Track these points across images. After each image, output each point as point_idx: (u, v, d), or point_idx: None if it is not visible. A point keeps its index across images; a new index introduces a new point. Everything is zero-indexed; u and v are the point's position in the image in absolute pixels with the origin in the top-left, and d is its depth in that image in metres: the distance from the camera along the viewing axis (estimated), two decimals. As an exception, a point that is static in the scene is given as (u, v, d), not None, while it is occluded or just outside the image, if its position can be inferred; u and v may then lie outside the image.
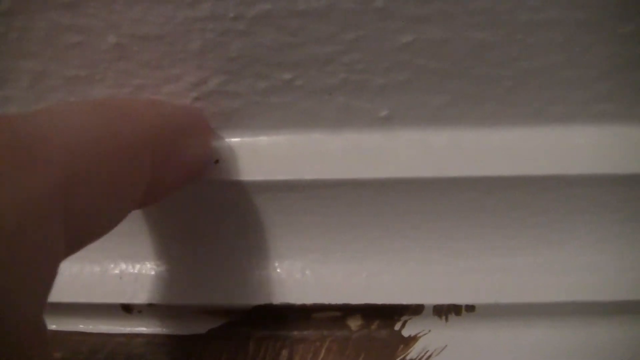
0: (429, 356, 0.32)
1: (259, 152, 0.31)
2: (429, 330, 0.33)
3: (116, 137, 0.22)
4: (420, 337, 0.32)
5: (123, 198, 0.23)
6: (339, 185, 0.30)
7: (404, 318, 0.33)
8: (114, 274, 0.34)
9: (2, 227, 0.16)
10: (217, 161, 0.31)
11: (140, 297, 0.33)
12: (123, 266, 0.34)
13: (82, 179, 0.20)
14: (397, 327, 0.33)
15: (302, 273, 0.33)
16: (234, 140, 0.32)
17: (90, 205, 0.21)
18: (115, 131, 0.22)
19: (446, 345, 0.33)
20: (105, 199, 0.21)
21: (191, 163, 0.28)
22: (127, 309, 0.34)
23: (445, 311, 0.32)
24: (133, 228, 0.33)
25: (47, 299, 0.19)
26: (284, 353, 0.33)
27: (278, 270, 0.33)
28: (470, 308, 0.32)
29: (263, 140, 0.32)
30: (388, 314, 0.33)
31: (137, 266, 0.34)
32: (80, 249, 0.22)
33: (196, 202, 0.32)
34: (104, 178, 0.21)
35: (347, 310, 0.33)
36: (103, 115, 0.22)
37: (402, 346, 0.32)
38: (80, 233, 0.21)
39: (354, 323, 0.33)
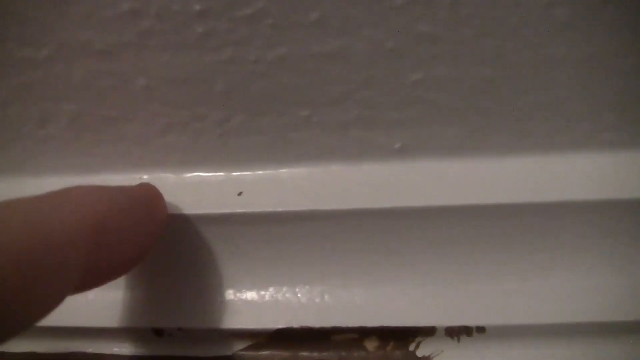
0: (443, 375, 0.34)
1: (281, 184, 0.33)
2: (442, 351, 0.34)
3: (38, 234, 0.22)
4: (433, 357, 0.33)
5: (49, 290, 0.23)
6: (357, 215, 0.32)
7: (418, 339, 0.34)
8: (146, 299, 0.36)
9: None
10: (240, 193, 0.33)
11: (171, 321, 0.35)
12: (156, 292, 0.36)
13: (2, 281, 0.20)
14: (411, 348, 0.34)
15: (321, 297, 0.34)
16: (257, 173, 0.34)
17: (13, 301, 0.21)
18: (39, 227, 0.22)
19: (459, 365, 0.34)
20: (28, 294, 0.21)
21: (139, 248, 0.29)
22: (159, 333, 0.35)
23: (457, 332, 0.33)
24: (162, 259, 0.35)
25: None
26: (305, 374, 0.35)
27: (299, 295, 0.34)
28: (481, 329, 0.33)
29: (284, 172, 0.34)
30: (403, 336, 0.34)
31: (167, 293, 0.36)
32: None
33: (220, 234, 0.34)
34: (22, 275, 0.21)
35: (364, 333, 0.34)
36: (31, 211, 0.23)
37: (417, 366, 0.34)
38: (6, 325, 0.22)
39: (371, 344, 0.34)
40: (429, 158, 0.33)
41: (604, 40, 0.28)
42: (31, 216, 0.23)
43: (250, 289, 0.35)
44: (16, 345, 0.37)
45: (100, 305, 0.35)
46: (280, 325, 0.34)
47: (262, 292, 0.35)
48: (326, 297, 0.34)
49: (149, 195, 0.31)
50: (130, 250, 0.29)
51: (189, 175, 0.35)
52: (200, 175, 0.35)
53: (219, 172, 0.34)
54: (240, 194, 0.33)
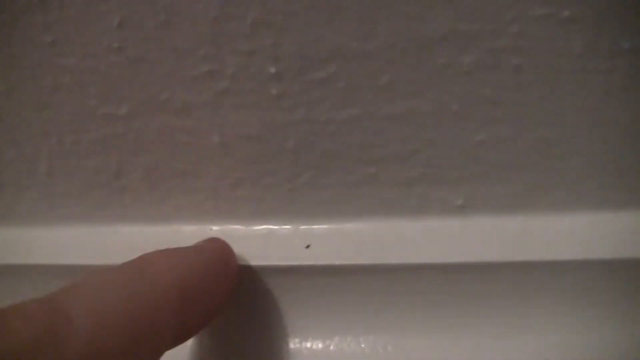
0: None
1: (347, 238, 0.34)
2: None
3: (136, 302, 0.25)
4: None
5: (149, 350, 0.25)
6: (420, 269, 0.33)
7: (480, 393, 0.34)
8: (215, 348, 0.37)
9: None
10: (308, 246, 0.34)
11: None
12: (225, 341, 0.37)
13: (104, 349, 0.22)
14: (476, 401, 0.34)
15: (384, 348, 0.35)
16: (323, 227, 0.35)
17: None
18: (136, 296, 0.25)
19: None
20: (129, 356, 0.24)
21: (217, 303, 0.31)
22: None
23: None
24: (231, 309, 0.36)
25: None
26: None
27: (362, 345, 0.35)
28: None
29: (350, 226, 0.35)
30: (465, 388, 0.34)
31: (235, 342, 0.37)
32: None
33: (288, 285, 0.35)
34: (127, 341, 0.23)
35: (426, 384, 0.35)
36: (126, 282, 0.25)
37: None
38: None
39: (434, 396, 0.35)
40: (489, 214, 0.33)
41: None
42: (126, 288, 0.25)
43: (315, 338, 0.36)
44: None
45: (170, 355, 0.36)
46: (345, 374, 0.35)
47: (327, 342, 0.36)
48: (389, 347, 0.35)
49: (222, 251, 0.33)
50: (210, 306, 0.30)
51: (258, 227, 0.36)
52: (269, 228, 0.36)
53: (287, 225, 0.35)
54: (308, 246, 0.34)
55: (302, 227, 0.35)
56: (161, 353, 0.26)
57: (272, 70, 0.30)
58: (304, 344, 0.36)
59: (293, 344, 0.36)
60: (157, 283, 0.26)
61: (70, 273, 0.36)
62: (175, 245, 0.31)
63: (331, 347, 0.35)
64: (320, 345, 0.35)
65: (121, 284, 0.25)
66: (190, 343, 0.36)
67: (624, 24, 0.27)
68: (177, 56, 0.31)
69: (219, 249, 0.33)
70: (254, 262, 0.34)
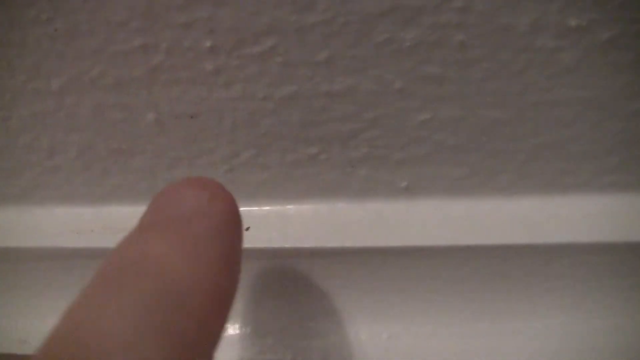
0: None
1: (287, 221, 0.33)
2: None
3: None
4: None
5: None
6: (362, 252, 0.32)
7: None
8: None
9: None
10: (247, 229, 0.33)
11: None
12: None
13: None
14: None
15: (333, 332, 0.34)
16: (264, 208, 0.34)
17: None
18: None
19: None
20: None
21: None
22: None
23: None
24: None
25: None
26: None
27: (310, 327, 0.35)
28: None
29: (291, 209, 0.34)
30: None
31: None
32: None
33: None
34: None
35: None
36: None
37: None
38: None
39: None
40: (435, 197, 0.33)
41: (607, 84, 0.28)
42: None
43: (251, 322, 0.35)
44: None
45: None
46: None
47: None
48: (332, 337, 0.34)
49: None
50: None
51: (196, 208, 0.35)
52: (207, 209, 0.34)
53: (227, 206, 0.34)
54: (247, 229, 0.33)
55: (241, 208, 0.34)
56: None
57: (208, 44, 0.29)
58: (242, 329, 0.35)
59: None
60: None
61: (2, 256, 0.35)
62: (111, 227, 0.30)
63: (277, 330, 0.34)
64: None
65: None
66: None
67: (571, 1, 0.26)
68: (109, 29, 0.29)
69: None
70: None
